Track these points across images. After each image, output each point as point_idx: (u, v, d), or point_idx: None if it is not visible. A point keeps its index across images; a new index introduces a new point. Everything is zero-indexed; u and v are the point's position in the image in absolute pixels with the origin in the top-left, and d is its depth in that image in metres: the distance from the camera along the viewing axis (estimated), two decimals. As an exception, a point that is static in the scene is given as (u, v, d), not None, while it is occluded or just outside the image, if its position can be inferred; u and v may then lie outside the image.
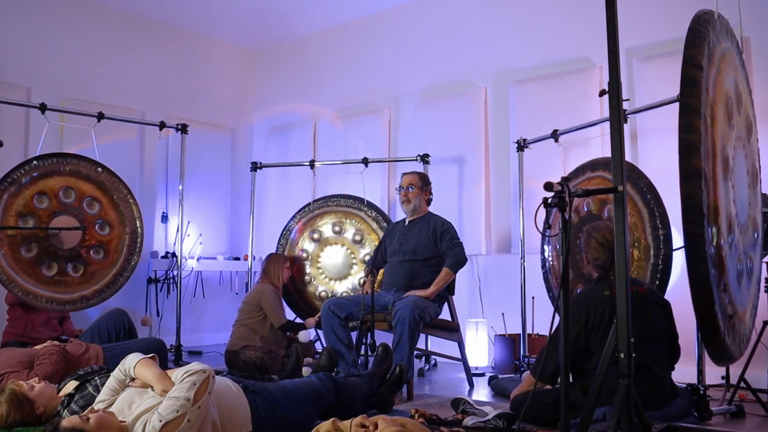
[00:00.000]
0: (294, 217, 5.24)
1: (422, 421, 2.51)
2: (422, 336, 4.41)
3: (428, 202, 4.31)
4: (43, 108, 4.37)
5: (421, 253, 4.11)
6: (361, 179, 5.06)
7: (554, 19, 4.93)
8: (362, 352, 3.89)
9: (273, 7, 6.02)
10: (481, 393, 3.87)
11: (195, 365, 2.20)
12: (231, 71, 6.94)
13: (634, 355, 1.92)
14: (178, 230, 5.27)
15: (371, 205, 5.04)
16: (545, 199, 1.97)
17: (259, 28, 6.50)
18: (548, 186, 1.97)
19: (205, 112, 6.52)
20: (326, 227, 5.10)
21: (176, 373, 2.20)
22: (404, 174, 4.35)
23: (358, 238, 5.00)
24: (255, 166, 5.52)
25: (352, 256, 5.01)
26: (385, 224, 4.85)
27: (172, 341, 4.95)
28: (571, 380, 2.60)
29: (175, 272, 5.54)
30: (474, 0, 5.43)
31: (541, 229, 2.02)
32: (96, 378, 2.63)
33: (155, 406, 2.14)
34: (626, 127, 3.36)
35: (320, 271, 5.07)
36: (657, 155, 4.15)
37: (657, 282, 3.27)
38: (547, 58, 4.95)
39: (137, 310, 5.57)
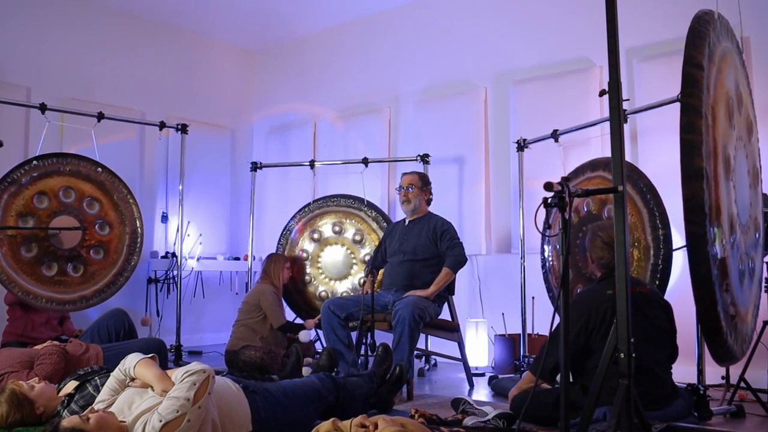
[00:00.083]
0: (294, 217, 5.24)
1: (422, 421, 2.51)
2: (422, 336, 4.41)
3: (428, 202, 4.31)
4: (43, 108, 4.37)
5: (421, 253, 4.11)
6: (361, 179, 5.06)
7: (554, 19, 4.93)
8: (362, 352, 3.89)
9: (273, 7, 6.02)
10: (481, 393, 3.87)
11: (195, 365, 2.20)
12: (231, 71, 6.93)
13: (634, 355, 1.92)
14: (178, 230, 5.27)
15: (371, 205, 5.04)
16: (545, 199, 1.97)
17: (259, 28, 6.50)
18: (548, 186, 1.97)
19: (205, 112, 6.52)
20: (326, 227, 5.10)
21: (176, 373, 2.20)
22: (404, 174, 4.35)
23: (358, 238, 5.00)
24: (255, 166, 5.52)
25: (352, 256, 5.01)
26: (385, 224, 4.85)
27: (172, 341, 4.95)
28: (571, 380, 2.60)
29: (175, 272, 5.54)
30: (474, 0, 5.43)
31: (541, 229, 2.02)
32: (96, 378, 2.63)
33: (155, 406, 2.14)
34: (626, 127, 3.36)
35: (320, 271, 5.07)
36: (657, 155, 4.15)
37: (657, 282, 3.27)
38: (547, 58, 4.95)
39: (137, 310, 5.57)
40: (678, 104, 2.90)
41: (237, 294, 6.31)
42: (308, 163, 5.41)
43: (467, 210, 5.24)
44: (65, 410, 2.54)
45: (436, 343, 4.70)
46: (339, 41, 6.38)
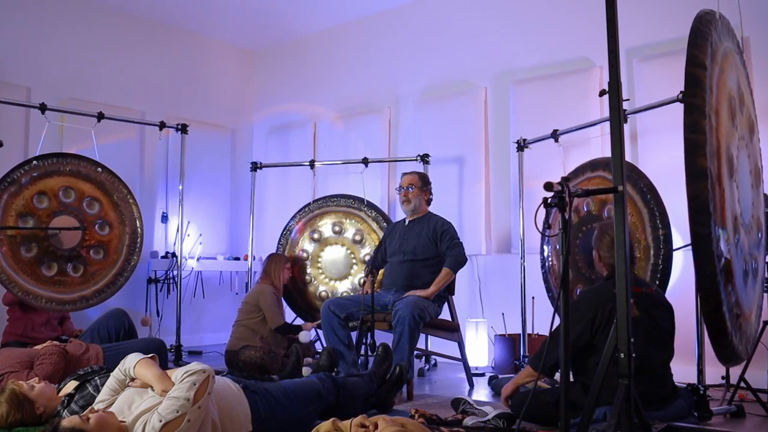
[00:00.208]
0: (294, 217, 5.24)
1: (422, 421, 2.51)
2: (422, 336, 4.41)
3: (428, 202, 4.31)
4: (43, 108, 4.37)
5: (421, 253, 4.11)
6: (361, 179, 5.06)
7: (554, 19, 4.93)
8: (362, 352, 3.89)
9: (273, 7, 6.02)
10: (481, 393, 3.87)
11: (195, 365, 2.20)
12: (231, 71, 6.93)
13: (634, 355, 1.92)
14: (178, 230, 5.27)
15: (371, 205, 5.04)
16: (545, 199, 1.97)
17: (259, 28, 6.50)
18: (548, 186, 1.97)
19: (205, 112, 6.52)
20: (326, 227, 5.10)
21: (176, 373, 2.20)
22: (404, 174, 4.34)
23: (358, 238, 4.99)
24: (255, 166, 5.52)
25: (352, 256, 5.01)
26: (385, 224, 4.85)
27: (172, 341, 4.94)
28: (572, 378, 2.60)
29: (175, 272, 5.53)
30: (474, 0, 5.43)
31: (541, 229, 2.03)
32: (96, 378, 2.63)
33: (155, 406, 2.14)
34: (626, 127, 3.35)
35: (320, 271, 5.07)
36: (657, 155, 4.15)
37: (657, 282, 3.27)
38: (547, 58, 4.95)
39: (137, 310, 5.57)
40: (678, 104, 2.90)
41: (237, 294, 6.31)
42: (308, 163, 5.41)
43: (467, 210, 5.24)
44: (65, 410, 2.54)
45: (436, 343, 4.70)
46: (339, 41, 6.38)
